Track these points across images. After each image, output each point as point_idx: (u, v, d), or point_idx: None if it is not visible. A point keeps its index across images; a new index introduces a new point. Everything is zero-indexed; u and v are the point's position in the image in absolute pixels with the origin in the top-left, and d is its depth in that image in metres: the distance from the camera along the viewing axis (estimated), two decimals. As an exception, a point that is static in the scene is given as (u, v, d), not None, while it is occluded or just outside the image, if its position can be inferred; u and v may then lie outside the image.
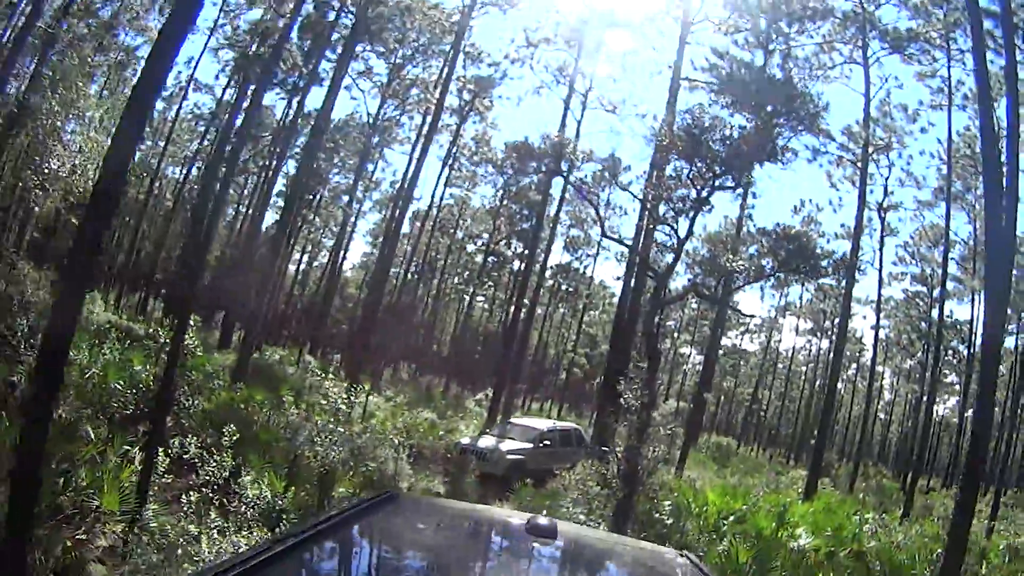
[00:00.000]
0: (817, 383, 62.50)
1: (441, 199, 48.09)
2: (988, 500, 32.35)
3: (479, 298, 66.68)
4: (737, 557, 11.03)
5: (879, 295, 43.93)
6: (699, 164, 19.04)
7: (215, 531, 7.96)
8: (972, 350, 37.23)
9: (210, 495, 10.22)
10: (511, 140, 38.54)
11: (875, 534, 15.56)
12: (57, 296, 10.32)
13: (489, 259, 56.80)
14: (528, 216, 46.74)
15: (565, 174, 22.60)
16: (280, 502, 10.33)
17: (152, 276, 38.91)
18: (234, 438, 11.59)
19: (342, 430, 13.24)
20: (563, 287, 60.99)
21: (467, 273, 61.91)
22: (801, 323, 65.59)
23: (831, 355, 40.46)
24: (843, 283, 31.49)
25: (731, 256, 21.32)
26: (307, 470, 12.48)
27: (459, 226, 56.82)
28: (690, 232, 20.02)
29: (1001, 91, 19.23)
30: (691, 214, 19.46)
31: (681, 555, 3.55)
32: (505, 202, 48.50)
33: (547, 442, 21.93)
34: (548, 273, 50.15)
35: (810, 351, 72.07)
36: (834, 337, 43.75)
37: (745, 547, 11.82)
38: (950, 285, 42.10)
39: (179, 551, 7.16)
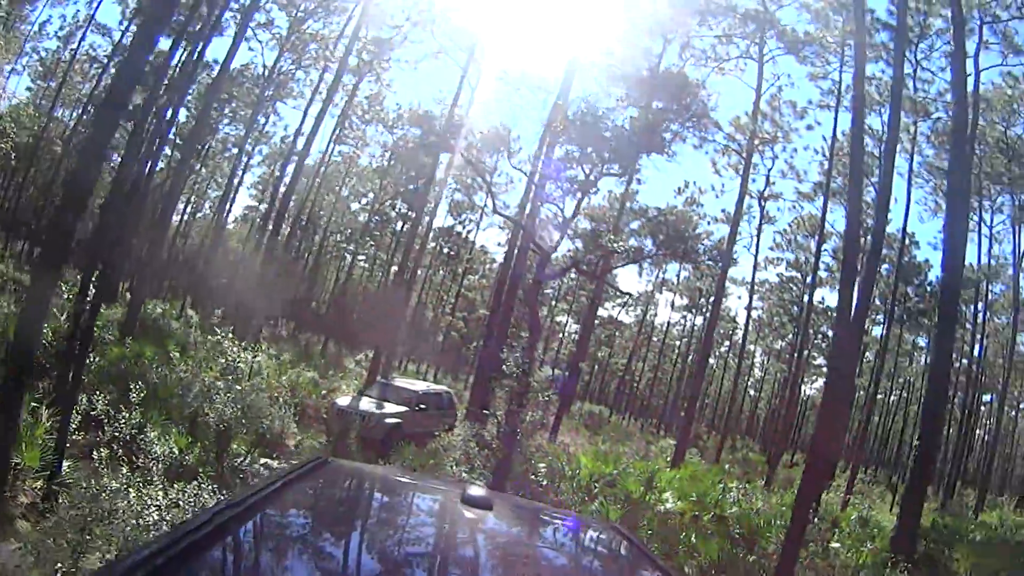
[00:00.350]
0: (690, 358, 64.42)
1: (329, 156, 47.69)
2: (847, 476, 34.42)
3: (360, 258, 66.20)
4: (608, 515, 11.76)
5: (753, 278, 46.54)
6: (589, 150, 19.72)
7: (137, 484, 8.01)
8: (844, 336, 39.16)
9: (119, 451, 10.37)
10: (406, 103, 38.59)
11: (737, 501, 16.54)
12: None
13: (373, 219, 56.55)
14: (415, 178, 46.86)
15: (463, 153, 23.01)
16: (186, 458, 10.56)
17: (39, 224, 37.80)
18: (142, 395, 11.69)
19: (239, 387, 13.43)
20: (445, 250, 61.08)
21: (349, 231, 61.48)
22: (677, 299, 66.90)
23: (704, 332, 42.03)
24: (719, 265, 32.67)
25: (612, 236, 22.20)
26: (204, 427, 12.63)
27: (344, 184, 56.37)
28: (576, 212, 20.77)
29: (886, 99, 20.48)
30: (578, 195, 20.22)
31: (612, 527, 3.75)
32: (392, 163, 48.44)
33: (423, 405, 22.02)
34: (431, 236, 50.17)
35: (684, 326, 73.86)
36: (708, 315, 45.26)
37: (615, 507, 12.60)
38: (822, 273, 44.82)
39: (104, 505, 7.24)
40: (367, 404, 20.71)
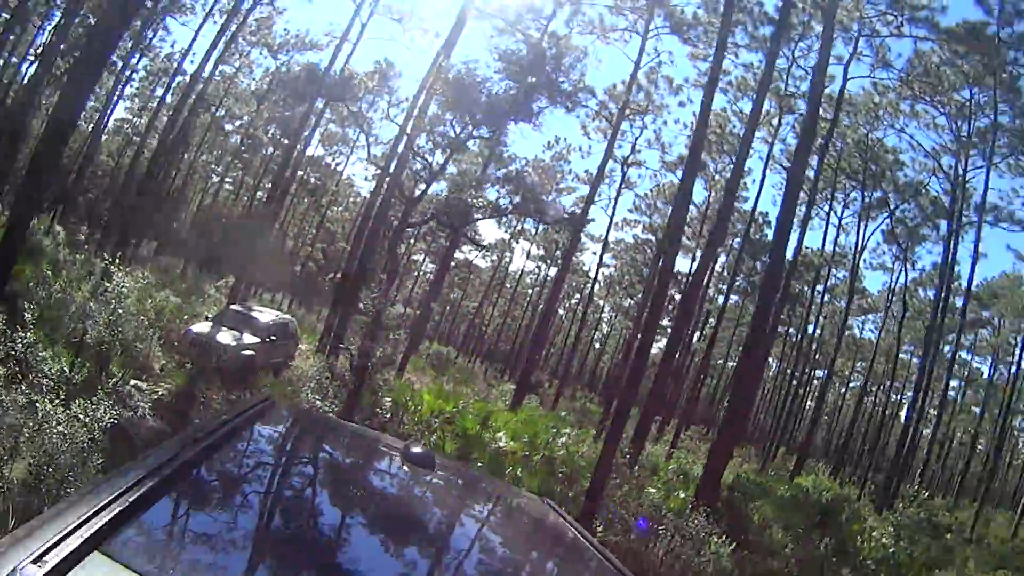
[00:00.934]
0: (540, 307, 66.42)
1: (211, 75, 47.01)
2: (673, 430, 37.00)
3: (227, 181, 65.26)
4: (444, 447, 13.10)
5: (606, 238, 49.81)
6: (462, 112, 20.83)
7: (44, 400, 8.55)
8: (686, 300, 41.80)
9: (16, 369, 10.75)
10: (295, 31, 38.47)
11: (565, 445, 18.12)
12: None
13: (245, 142, 55.85)
14: (293, 105, 46.66)
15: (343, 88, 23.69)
16: (75, 377, 11.06)
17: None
18: (36, 315, 12.08)
19: (110, 309, 13.96)
20: (312, 180, 60.87)
21: (219, 152, 60.59)
22: (534, 249, 68.58)
23: (554, 283, 43.91)
24: (570, 228, 34.14)
25: (474, 191, 23.40)
26: (85, 347, 13.06)
27: (222, 104, 55.41)
28: (444, 166, 21.87)
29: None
30: (447, 151, 21.32)
31: (544, 501, 3.88)
32: (273, 88, 48.09)
33: (273, 336, 22.00)
34: (300, 164, 50.05)
35: (538, 276, 75.95)
36: (560, 266, 47.13)
37: (452, 442, 13.94)
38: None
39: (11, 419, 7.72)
40: (223, 334, 20.20)
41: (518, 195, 23.22)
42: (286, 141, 46.19)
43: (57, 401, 8.25)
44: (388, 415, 15.80)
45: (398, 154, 26.96)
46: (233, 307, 23.54)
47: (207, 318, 21.70)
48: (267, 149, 57.08)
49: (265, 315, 23.40)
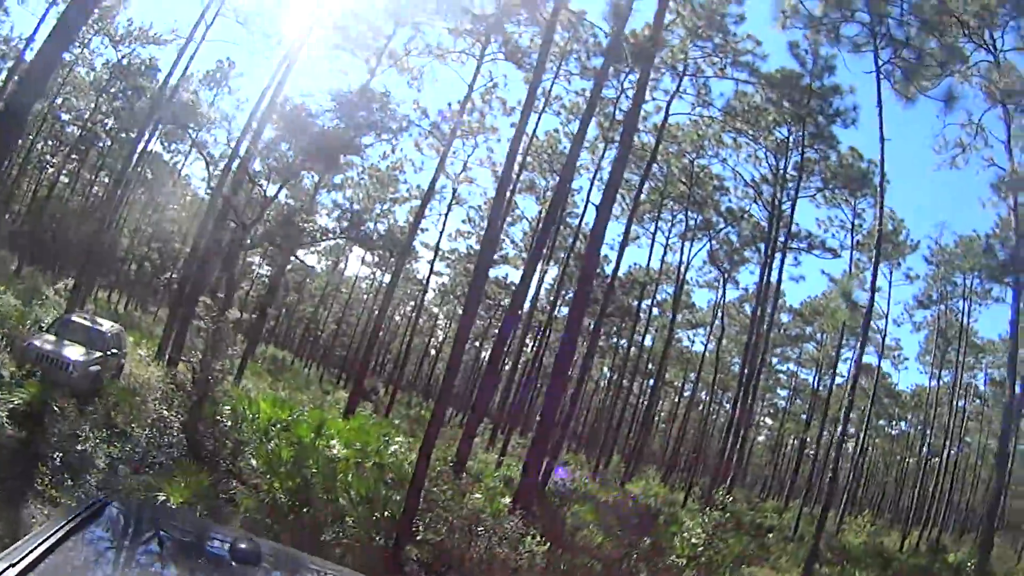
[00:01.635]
0: (375, 313, 67.60)
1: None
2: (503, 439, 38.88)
3: (63, 173, 63.56)
4: (282, 455, 14.25)
5: (436, 252, 53.25)
6: (296, 145, 22.14)
7: None
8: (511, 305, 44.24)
9: None
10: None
11: (395, 453, 19.40)
12: None
13: (82, 132, 54.49)
14: (132, 98, 46.41)
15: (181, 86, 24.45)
16: None
17: None
18: None
19: None
20: (149, 175, 59.83)
21: (54, 143, 58.80)
22: (368, 256, 69.77)
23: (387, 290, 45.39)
24: (393, 252, 35.60)
25: (305, 216, 24.68)
26: None
27: (60, 93, 53.72)
28: (275, 196, 23.08)
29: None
30: (281, 180, 22.51)
31: None
32: (112, 80, 47.51)
33: (114, 350, 21.58)
34: (135, 158, 49.26)
35: (372, 282, 77.07)
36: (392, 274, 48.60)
37: (288, 449, 15.07)
38: (508, 252, 51.56)
39: None
40: (70, 348, 19.22)
41: (347, 221, 24.67)
42: (124, 135, 45.90)
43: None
44: (228, 423, 16.76)
45: (232, 174, 27.52)
46: (74, 317, 22.56)
47: (41, 328, 21.20)
48: (105, 142, 55.79)
49: (105, 326, 22.81)
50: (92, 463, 12.59)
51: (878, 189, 29.30)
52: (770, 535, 31.10)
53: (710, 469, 49.27)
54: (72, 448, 12.75)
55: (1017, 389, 27.29)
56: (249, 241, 26.20)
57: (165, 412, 15.88)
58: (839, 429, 39.09)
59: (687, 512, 27.56)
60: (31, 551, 2.76)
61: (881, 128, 24.40)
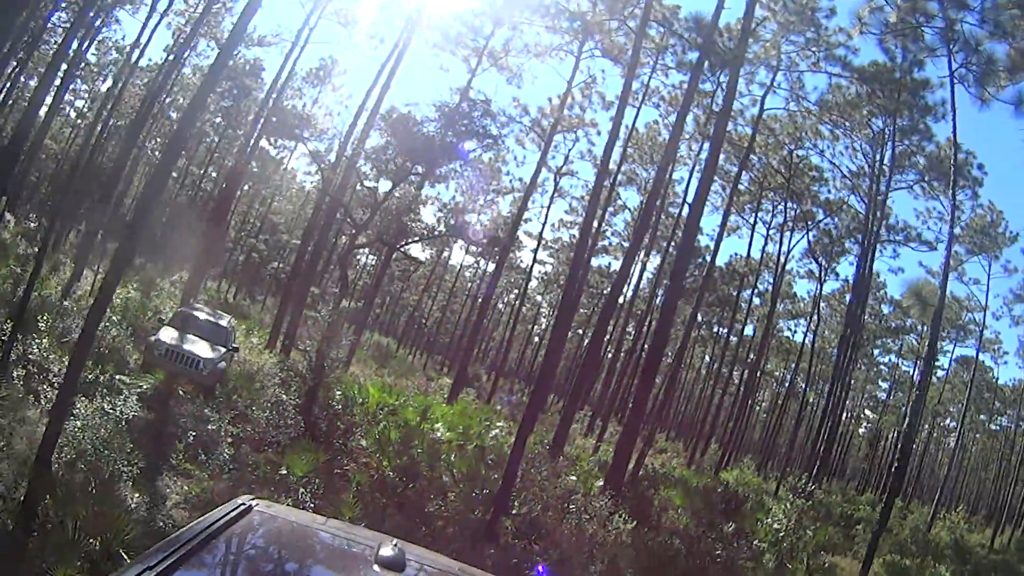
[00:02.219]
0: (478, 301, 69.00)
1: (165, 64, 47.36)
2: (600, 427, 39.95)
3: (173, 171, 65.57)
4: (390, 436, 15.73)
5: (538, 243, 54.10)
6: (403, 151, 23.76)
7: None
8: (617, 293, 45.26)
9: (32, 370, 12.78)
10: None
11: (495, 435, 20.76)
12: None
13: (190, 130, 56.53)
14: (240, 96, 48.49)
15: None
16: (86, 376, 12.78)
17: None
18: (38, 316, 14.00)
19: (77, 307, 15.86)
20: (255, 169, 61.77)
21: (163, 139, 60.16)
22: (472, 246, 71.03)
23: (492, 279, 46.71)
24: (497, 248, 36.87)
25: (412, 215, 26.20)
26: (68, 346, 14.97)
27: (170, 92, 55.40)
28: (388, 194, 24.67)
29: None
30: (391, 181, 24.13)
31: None
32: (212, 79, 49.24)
33: (235, 345, 22.27)
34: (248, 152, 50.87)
35: (477, 270, 78.61)
36: (497, 262, 49.78)
37: (396, 431, 16.54)
38: (611, 241, 53.99)
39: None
40: (196, 345, 19.85)
41: (450, 220, 26.18)
42: (232, 131, 47.82)
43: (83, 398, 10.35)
44: (340, 407, 18.31)
45: (340, 173, 28.73)
46: (192, 311, 22.52)
47: (161, 320, 21.79)
48: (213, 138, 58.01)
49: (224, 320, 23.22)
50: (219, 441, 13.75)
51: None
52: (859, 527, 31.59)
53: (804, 460, 49.53)
54: (201, 428, 13.97)
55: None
56: (363, 239, 27.83)
57: (283, 396, 17.38)
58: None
59: (776, 501, 28.35)
60: (180, 548, 2.95)
61: (955, 131, 25.06)
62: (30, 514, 8.23)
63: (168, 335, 19.45)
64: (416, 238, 28.36)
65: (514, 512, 14.19)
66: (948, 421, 67.02)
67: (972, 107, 23.17)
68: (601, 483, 19.22)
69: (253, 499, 3.88)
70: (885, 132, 36.38)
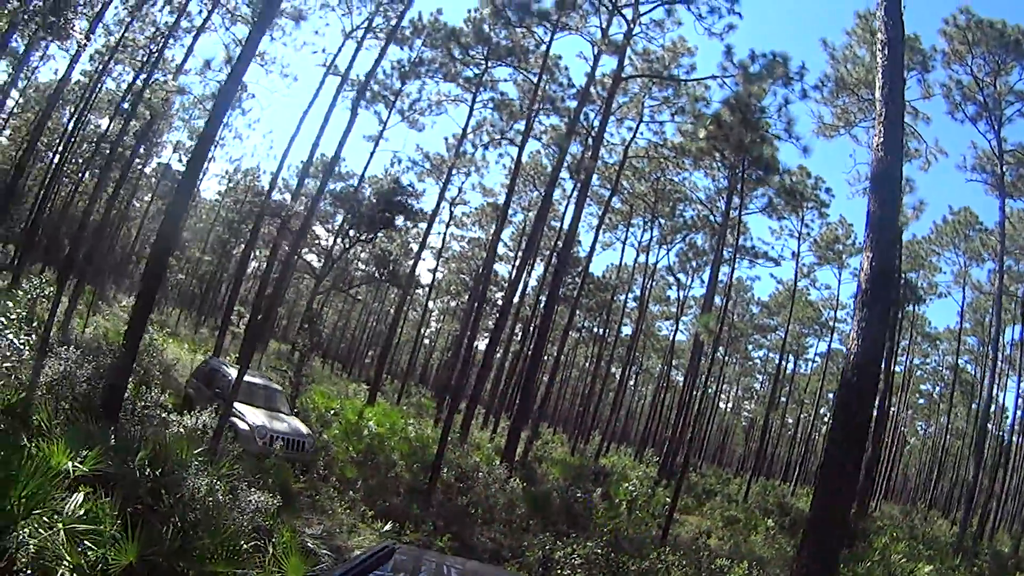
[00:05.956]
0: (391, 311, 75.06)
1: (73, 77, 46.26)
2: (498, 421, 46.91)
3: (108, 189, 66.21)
4: (346, 430, 22.65)
5: (436, 266, 63.57)
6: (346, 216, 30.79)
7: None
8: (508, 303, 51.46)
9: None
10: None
11: (414, 428, 27.32)
12: None
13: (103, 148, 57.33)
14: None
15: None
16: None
17: None
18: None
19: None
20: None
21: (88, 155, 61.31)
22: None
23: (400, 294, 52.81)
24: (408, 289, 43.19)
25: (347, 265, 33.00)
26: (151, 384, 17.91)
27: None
28: (344, 253, 31.49)
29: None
30: (342, 240, 30.93)
31: None
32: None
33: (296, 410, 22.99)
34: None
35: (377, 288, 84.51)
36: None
37: (340, 427, 23.37)
38: (502, 250, 60.35)
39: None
40: (285, 421, 19.70)
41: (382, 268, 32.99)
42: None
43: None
44: (308, 412, 25.02)
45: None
46: (253, 381, 21.04)
47: (256, 405, 19.99)
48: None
49: (270, 384, 22.75)
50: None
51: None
52: (717, 498, 38.59)
53: (683, 447, 55.96)
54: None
55: None
56: (320, 288, 34.08)
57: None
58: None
59: (638, 475, 35.09)
60: None
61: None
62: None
63: (260, 419, 18.84)
64: (359, 284, 34.85)
65: (443, 476, 20.98)
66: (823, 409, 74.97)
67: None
68: (499, 461, 25.86)
69: (395, 542, 4.11)
70: (736, 168, 42.71)
